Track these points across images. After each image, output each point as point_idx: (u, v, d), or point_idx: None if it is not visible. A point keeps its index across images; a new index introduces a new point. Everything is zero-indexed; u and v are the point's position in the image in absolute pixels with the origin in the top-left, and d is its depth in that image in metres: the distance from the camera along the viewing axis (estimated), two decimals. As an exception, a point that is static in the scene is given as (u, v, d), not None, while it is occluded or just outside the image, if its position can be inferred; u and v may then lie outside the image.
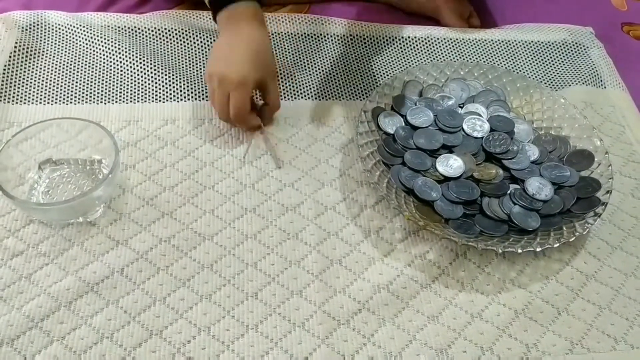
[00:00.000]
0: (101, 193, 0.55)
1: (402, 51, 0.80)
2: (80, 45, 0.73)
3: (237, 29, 0.64)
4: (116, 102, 0.68)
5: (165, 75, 0.72)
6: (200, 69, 0.73)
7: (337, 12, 0.84)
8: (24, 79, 0.69)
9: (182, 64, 0.74)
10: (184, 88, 0.71)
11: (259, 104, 0.69)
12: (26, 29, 0.73)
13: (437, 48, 0.81)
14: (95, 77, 0.71)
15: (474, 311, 0.56)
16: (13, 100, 0.67)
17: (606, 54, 0.84)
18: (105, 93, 0.69)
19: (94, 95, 0.69)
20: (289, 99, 0.72)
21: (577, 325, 0.56)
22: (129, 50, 0.73)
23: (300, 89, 0.73)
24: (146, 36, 0.76)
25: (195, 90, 0.71)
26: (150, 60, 0.73)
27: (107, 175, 0.54)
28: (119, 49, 0.73)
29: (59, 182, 0.59)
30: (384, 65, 0.78)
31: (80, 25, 0.75)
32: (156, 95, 0.70)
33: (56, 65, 0.71)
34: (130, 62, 0.72)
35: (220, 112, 0.65)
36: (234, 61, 0.62)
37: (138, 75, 0.71)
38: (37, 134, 0.58)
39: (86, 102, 0.68)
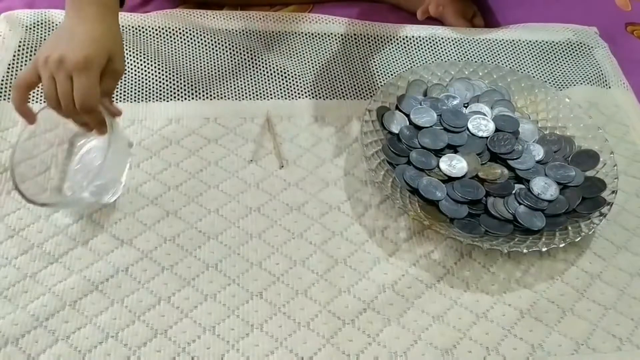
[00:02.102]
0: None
1: (406, 51, 0.80)
2: (84, 44, 0.73)
3: (83, 13, 0.54)
4: (120, 101, 0.68)
5: (170, 74, 0.72)
6: (204, 68, 0.73)
7: (341, 12, 0.84)
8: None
9: (186, 63, 0.74)
10: (188, 87, 0.71)
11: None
12: (30, 28, 0.73)
13: (441, 48, 0.81)
14: (100, 76, 0.71)
15: (479, 311, 0.56)
16: (17, 99, 0.67)
17: (610, 54, 0.83)
18: (110, 92, 0.69)
19: (98, 94, 0.69)
20: (293, 98, 0.72)
21: (582, 326, 0.56)
22: (133, 49, 0.73)
23: (305, 88, 0.73)
24: (150, 35, 0.76)
25: (199, 90, 0.71)
26: (154, 59, 0.73)
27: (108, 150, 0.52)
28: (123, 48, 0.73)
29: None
30: (389, 65, 0.78)
31: (84, 24, 0.75)
32: (160, 94, 0.70)
33: (60, 64, 0.71)
34: (134, 61, 0.72)
35: (64, 100, 0.51)
36: (76, 42, 0.52)
37: (142, 74, 0.71)
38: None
39: (90, 101, 0.68)
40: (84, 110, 0.52)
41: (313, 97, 0.72)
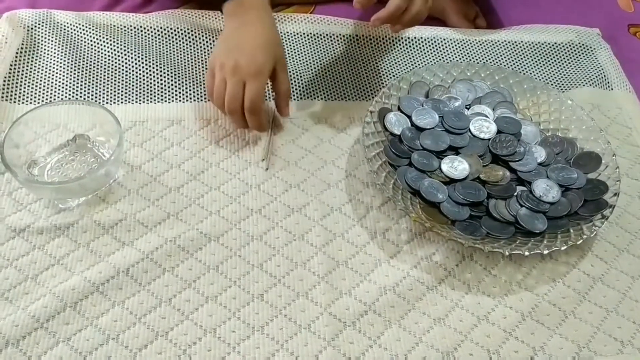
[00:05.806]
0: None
1: (408, 52, 0.80)
2: (85, 44, 0.73)
3: (245, 18, 0.64)
4: (122, 102, 0.68)
5: (171, 75, 0.72)
6: (206, 69, 0.73)
7: (343, 12, 0.84)
8: (29, 78, 0.69)
9: (188, 64, 0.73)
10: (190, 88, 0.71)
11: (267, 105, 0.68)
12: (32, 28, 0.73)
13: (443, 49, 0.81)
14: (101, 77, 0.71)
15: (480, 314, 0.56)
16: (18, 100, 0.67)
17: (613, 56, 0.83)
18: (111, 93, 0.69)
19: (100, 95, 0.69)
20: (295, 99, 0.72)
21: (583, 329, 0.56)
22: (135, 50, 0.73)
23: (306, 90, 0.73)
24: (152, 36, 0.76)
25: (201, 91, 0.71)
26: (156, 60, 0.73)
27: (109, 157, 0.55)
28: (124, 48, 0.73)
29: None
30: (391, 66, 0.78)
31: (86, 25, 0.75)
32: (162, 95, 0.70)
33: (62, 65, 0.71)
34: (135, 62, 0.72)
35: (230, 103, 0.61)
36: (247, 50, 0.62)
37: (144, 75, 0.71)
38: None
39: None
40: (252, 111, 0.62)
41: (315, 99, 0.72)
